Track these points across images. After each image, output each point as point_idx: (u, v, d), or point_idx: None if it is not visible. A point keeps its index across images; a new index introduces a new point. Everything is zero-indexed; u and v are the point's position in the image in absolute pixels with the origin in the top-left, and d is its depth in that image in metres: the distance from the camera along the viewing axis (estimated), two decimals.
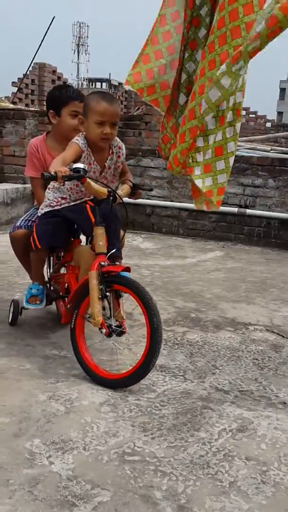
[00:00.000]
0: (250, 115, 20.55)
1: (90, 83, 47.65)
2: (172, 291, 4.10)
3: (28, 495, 1.70)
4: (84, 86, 41.64)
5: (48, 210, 2.81)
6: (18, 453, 1.92)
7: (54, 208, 2.80)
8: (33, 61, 11.91)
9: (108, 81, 28.51)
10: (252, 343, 3.15)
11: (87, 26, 56.39)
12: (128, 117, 7.56)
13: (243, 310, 3.74)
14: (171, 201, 6.57)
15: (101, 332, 2.43)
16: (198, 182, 2.85)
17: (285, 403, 2.42)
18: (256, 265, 5.20)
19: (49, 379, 2.49)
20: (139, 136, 7.08)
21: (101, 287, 2.43)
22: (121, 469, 1.86)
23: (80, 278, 2.72)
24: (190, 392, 2.46)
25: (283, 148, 8.15)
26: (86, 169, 2.45)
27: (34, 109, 9.06)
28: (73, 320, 2.58)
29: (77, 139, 2.64)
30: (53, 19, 10.14)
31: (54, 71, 13.48)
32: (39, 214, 2.85)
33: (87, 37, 56.90)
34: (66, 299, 2.92)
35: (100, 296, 2.42)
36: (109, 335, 2.45)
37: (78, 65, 54.15)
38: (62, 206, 2.79)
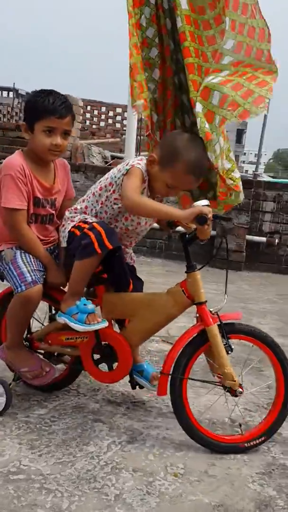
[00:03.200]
0: None
1: None
2: None
3: None
4: None
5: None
6: None
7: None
8: None
9: (15, 90, 27.96)
10: (148, 354, 3.19)
11: None
12: None
13: None
14: None
15: (238, 393, 2.14)
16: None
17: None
18: (156, 277, 5.30)
19: None
20: None
21: (225, 341, 2.14)
22: (5, 488, 1.81)
23: (138, 334, 2.29)
24: (83, 406, 2.44)
25: None
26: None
27: None
28: (179, 390, 2.17)
29: (138, 163, 2.18)
30: None
31: None
32: (90, 220, 2.23)
33: None
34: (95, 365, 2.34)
35: (228, 353, 2.14)
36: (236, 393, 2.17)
37: None
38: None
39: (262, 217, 6.47)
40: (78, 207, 2.35)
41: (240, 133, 55.30)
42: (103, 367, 2.34)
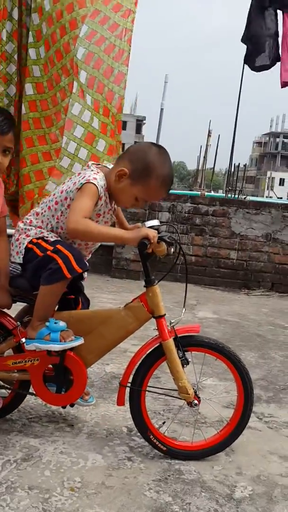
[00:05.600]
0: None
1: None
2: None
3: None
4: None
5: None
6: None
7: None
8: None
9: None
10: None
11: None
12: None
13: None
14: None
15: (194, 405, 2.19)
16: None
17: (72, 425, 2.45)
18: None
19: None
20: None
21: (181, 354, 2.16)
22: None
23: (94, 352, 2.21)
24: None
25: None
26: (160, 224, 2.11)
27: None
28: (137, 401, 2.21)
29: (94, 178, 2.10)
30: None
31: None
32: (52, 239, 2.15)
33: None
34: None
35: (184, 366, 2.16)
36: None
37: None
38: None
39: None
40: (34, 220, 2.24)
41: None
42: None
